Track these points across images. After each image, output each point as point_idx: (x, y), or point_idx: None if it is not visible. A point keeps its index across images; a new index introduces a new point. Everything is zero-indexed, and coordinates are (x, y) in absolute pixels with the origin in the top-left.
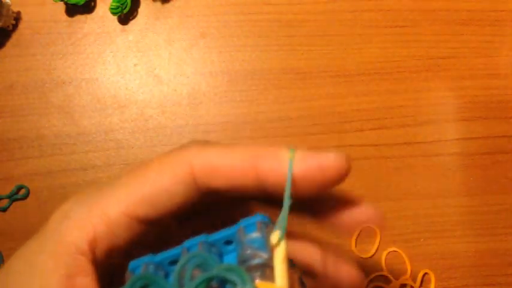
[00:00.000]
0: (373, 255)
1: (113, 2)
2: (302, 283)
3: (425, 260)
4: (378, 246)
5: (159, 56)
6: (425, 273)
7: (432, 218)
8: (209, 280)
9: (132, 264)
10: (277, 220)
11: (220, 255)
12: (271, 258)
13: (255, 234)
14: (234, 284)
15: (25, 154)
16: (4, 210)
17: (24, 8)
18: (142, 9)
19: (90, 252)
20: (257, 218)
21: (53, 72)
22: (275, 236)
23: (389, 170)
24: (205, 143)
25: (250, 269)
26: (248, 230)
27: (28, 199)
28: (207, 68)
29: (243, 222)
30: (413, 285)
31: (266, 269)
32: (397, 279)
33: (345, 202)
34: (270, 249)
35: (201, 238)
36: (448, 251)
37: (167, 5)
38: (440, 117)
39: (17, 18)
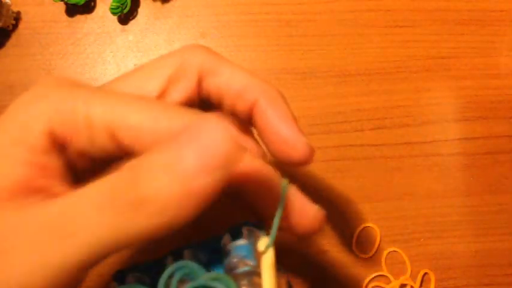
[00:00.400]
0: (373, 255)
1: (113, 2)
2: (290, 286)
3: (425, 260)
4: (378, 246)
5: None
6: (425, 273)
7: (432, 218)
8: None
9: (117, 274)
10: (270, 228)
11: (208, 263)
12: (258, 266)
13: (242, 242)
14: None
15: None
16: None
17: (24, 8)
18: (142, 9)
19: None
20: (244, 224)
21: (53, 72)
22: (262, 243)
23: (389, 170)
24: (206, 48)
25: (237, 278)
26: (235, 237)
27: None
28: None
29: (230, 230)
30: (413, 285)
31: (253, 277)
32: (397, 279)
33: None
34: (257, 256)
35: (189, 246)
36: (448, 251)
37: (167, 5)
38: (440, 117)
39: (17, 18)
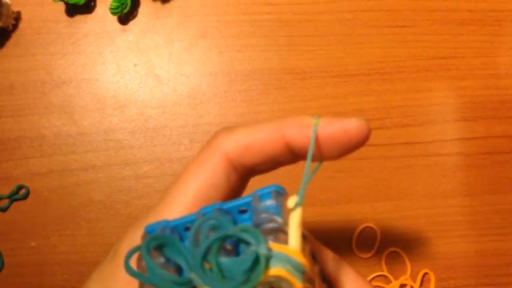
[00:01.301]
0: (373, 255)
1: (113, 2)
2: (313, 257)
3: (425, 260)
4: (378, 246)
5: (159, 56)
6: (425, 273)
7: (432, 218)
8: (224, 239)
9: (148, 228)
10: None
11: (235, 224)
12: (285, 225)
13: (270, 202)
14: (248, 244)
15: (25, 154)
16: (4, 210)
17: (24, 8)
18: (142, 9)
19: None
20: (272, 187)
21: (53, 72)
22: (292, 201)
23: (389, 170)
24: (231, 127)
25: (264, 233)
26: (263, 198)
27: (28, 199)
28: (207, 68)
29: (259, 191)
30: (413, 285)
31: (280, 234)
32: (397, 279)
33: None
34: (285, 217)
35: (215, 205)
36: (448, 251)
37: (167, 5)
38: (440, 117)
39: (17, 18)
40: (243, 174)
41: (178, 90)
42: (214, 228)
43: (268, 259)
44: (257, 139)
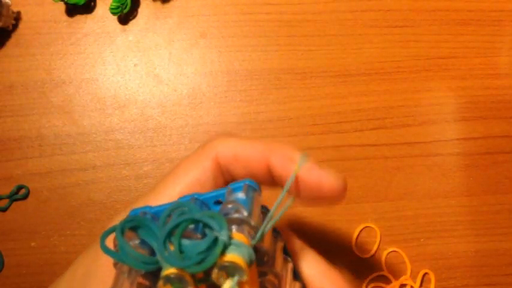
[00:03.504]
0: (373, 255)
1: (113, 2)
2: (286, 254)
3: (425, 260)
4: (378, 246)
5: (159, 56)
6: (425, 273)
7: (432, 218)
8: (190, 222)
9: (132, 212)
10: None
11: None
12: (251, 218)
13: (240, 194)
14: (211, 229)
15: (25, 154)
16: (4, 210)
17: (24, 8)
18: (142, 9)
19: None
20: (245, 181)
21: (53, 72)
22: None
23: (389, 170)
24: (230, 134)
25: (229, 221)
26: (235, 191)
27: (28, 199)
28: (207, 68)
29: (232, 185)
30: (413, 285)
31: (244, 225)
32: (397, 279)
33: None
34: (253, 210)
35: (194, 195)
36: (448, 251)
37: (167, 5)
38: (440, 117)
39: (17, 18)
40: (228, 180)
41: (178, 90)
42: (184, 213)
43: (226, 245)
44: (245, 153)
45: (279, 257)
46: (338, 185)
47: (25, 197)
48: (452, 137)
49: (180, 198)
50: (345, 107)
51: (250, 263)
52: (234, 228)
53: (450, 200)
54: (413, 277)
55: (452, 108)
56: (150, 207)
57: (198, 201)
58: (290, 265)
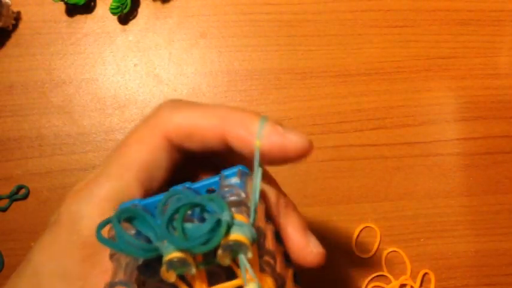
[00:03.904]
0: (373, 255)
1: (113, 2)
2: (278, 238)
3: (425, 260)
4: (378, 246)
5: (159, 56)
6: (425, 273)
7: (432, 218)
8: (190, 206)
9: (122, 205)
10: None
11: None
12: (247, 199)
13: (235, 180)
14: (210, 212)
15: (25, 154)
16: (4, 210)
17: (24, 8)
18: (142, 9)
19: None
20: (238, 167)
21: (53, 72)
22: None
23: (389, 170)
24: (177, 103)
25: (228, 204)
26: (229, 177)
27: (28, 199)
28: (207, 68)
29: (225, 171)
30: (413, 285)
31: (242, 207)
32: (397, 279)
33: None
34: (247, 193)
35: (185, 184)
36: (448, 251)
37: (167, 5)
38: (440, 117)
39: (17, 18)
40: (186, 153)
41: (178, 90)
42: (181, 200)
43: (229, 226)
44: (198, 129)
45: (271, 237)
46: (303, 145)
47: (25, 197)
48: (452, 137)
49: (171, 188)
50: (345, 107)
51: (253, 241)
52: (233, 210)
53: (450, 200)
54: (413, 277)
55: (452, 108)
56: (140, 200)
57: (191, 189)
58: (270, 227)
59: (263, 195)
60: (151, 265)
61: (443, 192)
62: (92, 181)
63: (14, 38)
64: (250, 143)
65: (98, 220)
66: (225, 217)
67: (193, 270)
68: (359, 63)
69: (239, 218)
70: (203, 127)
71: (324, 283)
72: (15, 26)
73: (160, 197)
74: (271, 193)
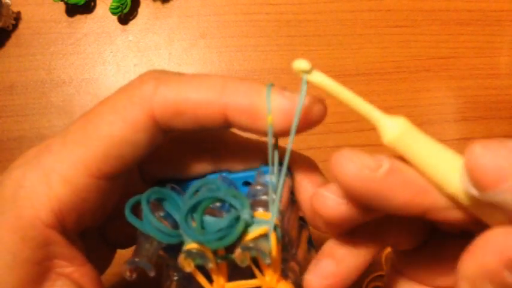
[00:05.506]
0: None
1: (113, 2)
2: (311, 242)
3: None
4: None
5: (159, 56)
6: None
7: None
8: (212, 200)
9: (158, 183)
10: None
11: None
12: (278, 201)
13: (271, 178)
14: (235, 208)
15: None
16: None
17: (24, 8)
18: (142, 9)
19: (59, 224)
20: (276, 165)
21: (53, 72)
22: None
23: None
24: (162, 73)
25: (256, 203)
26: (265, 173)
27: None
28: (207, 68)
29: (262, 168)
30: None
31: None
32: None
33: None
34: (281, 195)
35: (222, 173)
36: None
37: (167, 5)
38: (440, 117)
39: (17, 18)
40: (170, 132)
41: None
42: (212, 191)
43: (248, 225)
44: (190, 103)
45: (303, 246)
46: (318, 108)
47: None
48: (452, 137)
49: (209, 176)
50: (345, 107)
51: (277, 242)
52: (260, 209)
53: None
54: None
55: (452, 108)
56: (178, 182)
57: (227, 179)
58: (306, 233)
59: (298, 192)
60: (176, 248)
61: None
62: (46, 147)
63: (14, 38)
64: (259, 116)
65: (42, 193)
66: (244, 215)
67: (210, 265)
68: (359, 63)
69: (261, 216)
70: (197, 102)
71: None
72: (15, 26)
73: (196, 183)
74: (309, 188)
